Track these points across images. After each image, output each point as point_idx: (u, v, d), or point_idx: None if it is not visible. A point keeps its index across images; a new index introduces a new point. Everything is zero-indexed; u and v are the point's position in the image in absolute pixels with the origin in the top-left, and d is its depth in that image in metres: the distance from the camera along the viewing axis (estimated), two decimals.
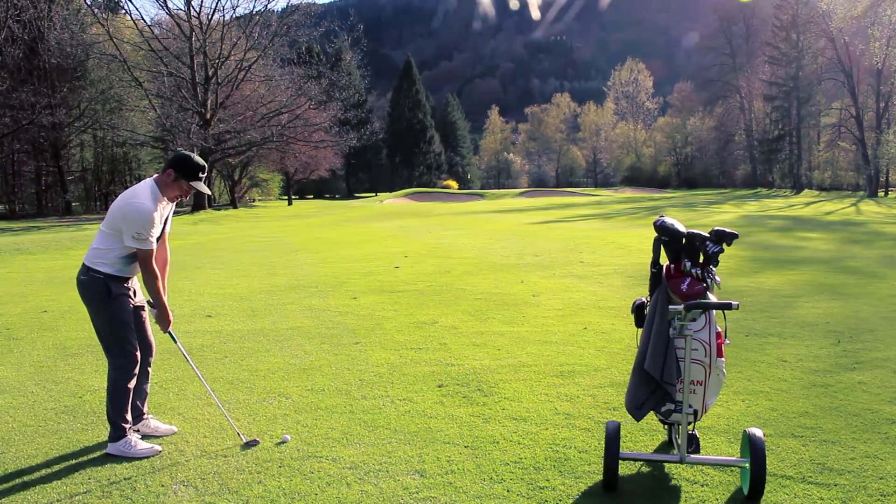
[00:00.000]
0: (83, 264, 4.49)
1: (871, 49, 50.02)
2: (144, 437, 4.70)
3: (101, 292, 4.42)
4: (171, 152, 47.25)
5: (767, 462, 3.89)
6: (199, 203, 44.78)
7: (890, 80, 56.55)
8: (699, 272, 4.02)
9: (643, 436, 4.69)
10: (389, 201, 64.19)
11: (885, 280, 11.40)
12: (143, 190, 4.44)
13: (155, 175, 4.54)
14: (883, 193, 60.63)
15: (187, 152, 4.54)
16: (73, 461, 4.41)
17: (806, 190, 69.34)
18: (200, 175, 4.55)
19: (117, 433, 4.48)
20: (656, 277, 4.09)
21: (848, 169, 71.93)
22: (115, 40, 41.80)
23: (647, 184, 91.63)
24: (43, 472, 4.25)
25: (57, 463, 4.38)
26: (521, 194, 75.02)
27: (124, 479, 4.12)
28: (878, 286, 10.74)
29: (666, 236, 4.11)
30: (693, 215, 30.73)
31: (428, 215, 36.22)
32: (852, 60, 58.47)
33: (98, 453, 4.50)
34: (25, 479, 4.17)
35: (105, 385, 4.54)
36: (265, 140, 48.82)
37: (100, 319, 4.50)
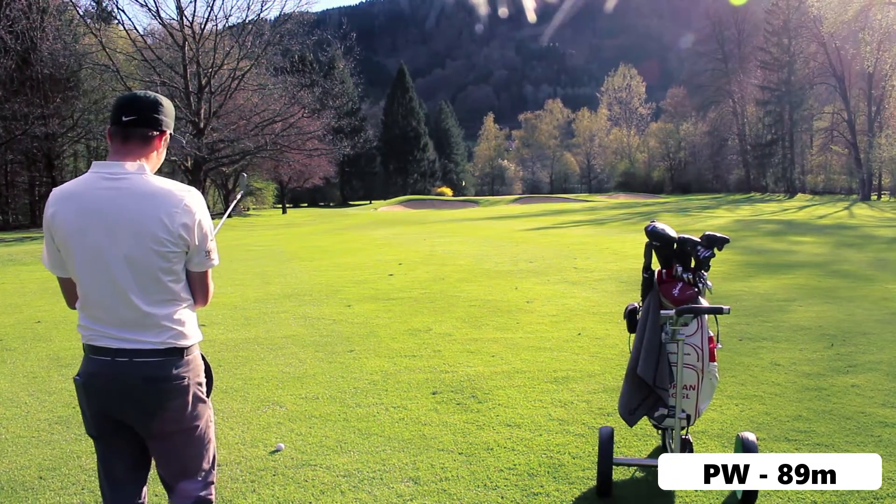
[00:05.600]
0: None
1: (862, 53, 50.30)
2: None
3: None
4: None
5: None
6: None
7: (881, 84, 56.74)
8: (691, 277, 4.04)
9: (637, 441, 4.70)
10: (384, 209, 64.20)
11: (877, 283, 11.45)
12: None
13: (135, 162, 2.57)
14: (875, 197, 60.86)
15: (145, 93, 2.67)
16: (67, 472, 4.39)
17: (799, 194, 69.54)
18: None
19: None
20: (648, 283, 4.10)
21: (841, 173, 72.22)
22: (107, 50, 41.70)
23: (641, 189, 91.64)
24: (36, 483, 4.24)
25: (50, 474, 4.36)
26: (515, 201, 75.09)
27: None
28: (870, 289, 10.79)
29: (657, 241, 4.12)
30: (687, 220, 30.81)
31: (422, 223, 36.23)
32: (844, 65, 58.78)
33: (92, 464, 4.48)
34: (18, 490, 4.16)
35: None
36: (259, 149, 48.74)
37: None
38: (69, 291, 2.69)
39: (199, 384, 2.70)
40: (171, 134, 2.74)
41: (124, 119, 2.57)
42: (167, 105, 2.70)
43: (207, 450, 2.76)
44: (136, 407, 2.56)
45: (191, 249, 2.59)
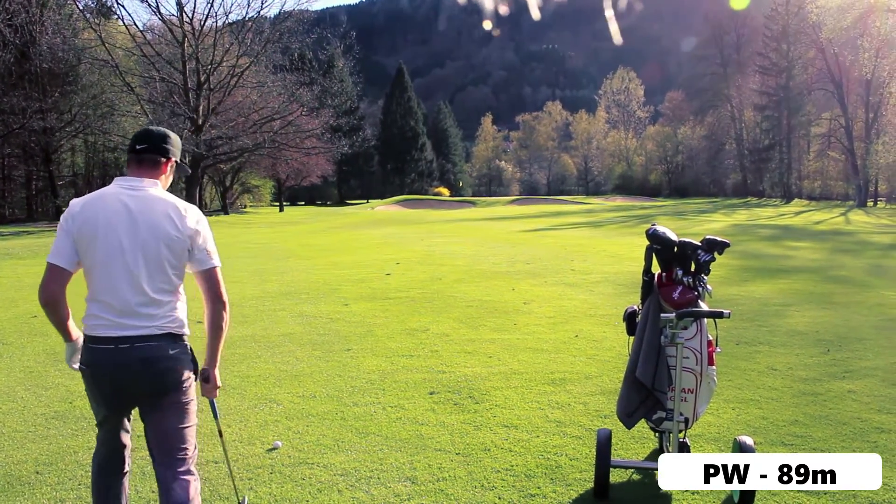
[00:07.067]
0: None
1: (861, 60, 50.33)
2: None
3: None
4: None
5: None
6: None
7: (879, 91, 56.76)
8: (690, 281, 4.05)
9: (634, 443, 4.70)
10: (381, 208, 64.13)
11: (873, 289, 11.48)
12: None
13: (145, 178, 3.09)
14: (872, 203, 60.90)
15: (158, 128, 3.25)
16: (64, 467, 4.39)
17: (796, 199, 69.59)
18: None
19: None
20: (648, 286, 4.11)
21: (837, 179, 72.20)
22: (107, 45, 41.63)
23: (638, 192, 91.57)
24: (33, 478, 4.24)
25: (47, 469, 4.36)
26: (512, 202, 75.04)
27: None
28: (866, 295, 10.81)
29: (658, 245, 4.13)
30: (684, 224, 30.84)
31: (419, 222, 36.23)
32: (842, 71, 58.81)
33: (88, 459, 4.48)
34: (15, 484, 4.15)
35: None
36: (257, 146, 48.71)
37: None
38: (53, 279, 2.95)
39: (189, 368, 3.09)
40: (177, 162, 3.25)
41: (138, 147, 3.12)
42: (174, 137, 3.24)
43: (193, 428, 3.15)
44: (139, 386, 2.97)
45: (193, 247, 3.03)
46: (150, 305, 2.94)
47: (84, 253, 2.93)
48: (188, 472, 3.08)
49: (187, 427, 3.11)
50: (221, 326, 3.13)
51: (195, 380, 3.17)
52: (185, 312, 3.11)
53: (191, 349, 3.14)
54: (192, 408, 3.14)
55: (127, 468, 3.25)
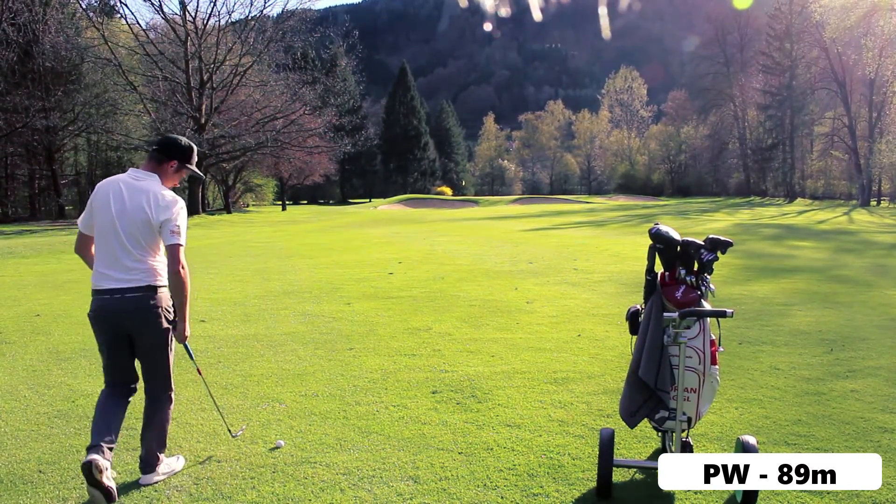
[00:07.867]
0: None
1: (864, 59, 50.33)
2: None
3: None
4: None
5: None
6: (193, 207, 44.72)
7: (882, 91, 56.60)
8: (693, 280, 4.04)
9: (637, 443, 4.70)
10: (383, 207, 64.11)
11: (876, 289, 11.46)
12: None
13: (152, 173, 4.13)
14: (875, 203, 60.78)
15: (174, 136, 4.27)
16: (66, 466, 4.39)
17: (799, 199, 69.40)
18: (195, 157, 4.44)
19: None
20: (651, 285, 4.10)
21: (840, 178, 72.10)
22: (109, 44, 41.74)
23: (641, 191, 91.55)
24: (35, 476, 4.24)
25: (49, 468, 4.37)
26: (515, 201, 75.01)
27: (118, 484, 4.10)
28: (869, 295, 10.79)
29: (661, 244, 4.12)
30: (686, 223, 30.79)
31: (422, 221, 36.20)
32: (845, 70, 58.69)
33: None
34: (18, 483, 4.16)
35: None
36: (260, 145, 48.75)
37: None
38: (82, 243, 4.22)
39: (168, 310, 4.12)
40: (184, 165, 4.24)
41: (153, 148, 4.24)
42: (184, 144, 4.26)
43: (171, 354, 4.22)
44: (132, 324, 4.02)
45: (163, 227, 4.00)
46: (136, 264, 3.98)
47: (94, 221, 4.06)
48: (168, 385, 4.25)
49: (167, 355, 4.19)
50: (179, 292, 4.03)
51: (171, 322, 4.15)
52: (164, 270, 4.06)
53: (169, 298, 4.13)
54: (169, 339, 4.17)
55: (128, 399, 4.22)
